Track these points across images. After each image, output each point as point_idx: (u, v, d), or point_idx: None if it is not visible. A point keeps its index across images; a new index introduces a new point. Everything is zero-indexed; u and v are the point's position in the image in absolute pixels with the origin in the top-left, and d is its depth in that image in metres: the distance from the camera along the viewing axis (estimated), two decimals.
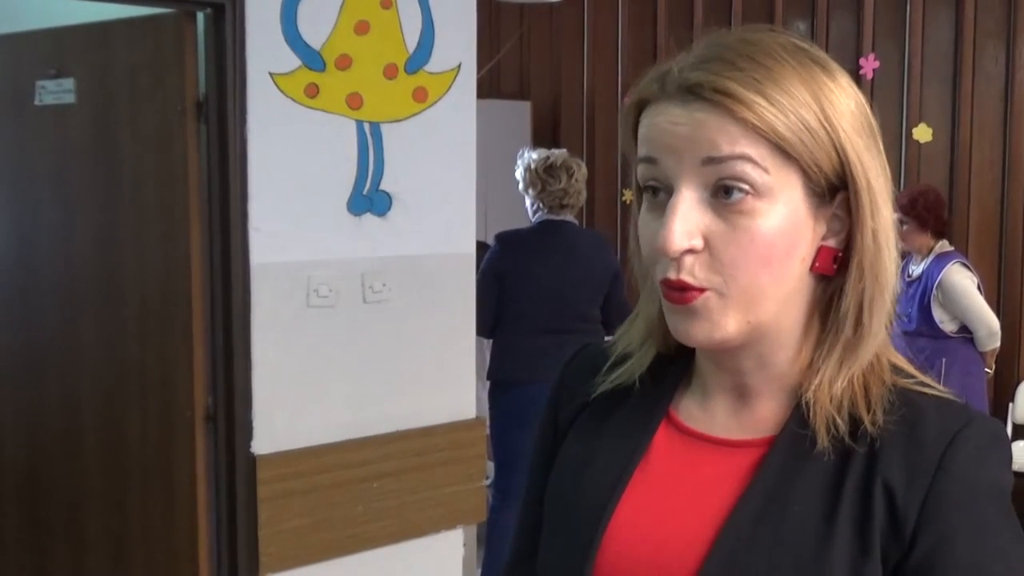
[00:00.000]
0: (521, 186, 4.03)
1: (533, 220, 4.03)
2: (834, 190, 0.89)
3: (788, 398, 0.92)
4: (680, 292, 0.88)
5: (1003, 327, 4.68)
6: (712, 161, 0.85)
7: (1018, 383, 4.81)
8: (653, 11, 5.89)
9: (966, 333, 4.21)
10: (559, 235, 3.96)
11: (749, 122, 0.84)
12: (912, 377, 0.92)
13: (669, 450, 0.97)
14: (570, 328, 3.91)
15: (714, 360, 0.95)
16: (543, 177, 3.95)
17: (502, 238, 4.02)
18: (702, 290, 0.87)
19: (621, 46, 6.02)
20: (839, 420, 0.88)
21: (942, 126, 4.97)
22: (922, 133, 4.97)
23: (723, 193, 0.86)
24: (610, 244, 4.47)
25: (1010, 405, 4.72)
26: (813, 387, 0.89)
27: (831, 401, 0.88)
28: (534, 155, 4.03)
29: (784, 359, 0.92)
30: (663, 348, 1.00)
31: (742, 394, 0.95)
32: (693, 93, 0.86)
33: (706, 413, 0.96)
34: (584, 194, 4.04)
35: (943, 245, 4.26)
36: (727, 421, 0.95)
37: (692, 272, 0.87)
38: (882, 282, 0.89)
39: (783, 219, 0.86)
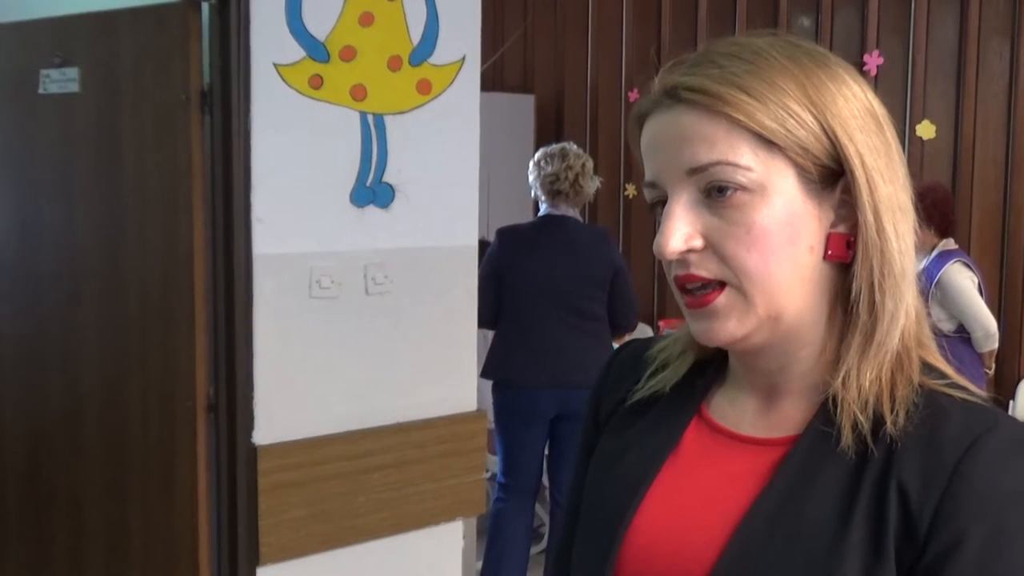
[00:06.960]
0: (530, 180, 4.05)
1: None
2: (834, 176, 0.89)
3: (815, 396, 0.92)
4: (698, 295, 0.89)
5: (1005, 325, 4.67)
6: (695, 171, 0.87)
7: (1019, 381, 4.81)
8: (658, 5, 5.89)
9: (964, 333, 4.13)
10: (558, 230, 3.94)
11: (729, 116, 0.86)
12: (945, 378, 0.91)
13: (698, 446, 0.97)
14: (570, 324, 3.88)
15: (742, 362, 0.96)
16: (539, 164, 4.01)
17: (500, 233, 4.02)
18: (722, 286, 0.88)
19: (625, 40, 6.02)
20: (862, 418, 0.87)
21: (946, 123, 4.96)
22: (925, 130, 4.97)
23: (716, 192, 0.87)
24: (614, 238, 4.45)
25: (1011, 403, 4.72)
26: (839, 379, 0.89)
27: (859, 395, 0.88)
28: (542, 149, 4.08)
29: (809, 355, 0.92)
30: (701, 355, 1.01)
31: (771, 394, 0.95)
32: (673, 97, 0.88)
33: (736, 411, 0.97)
34: (587, 188, 3.99)
35: (947, 243, 4.16)
36: (755, 419, 0.95)
37: (702, 267, 0.88)
38: (888, 259, 0.88)
39: (778, 209, 0.87)
